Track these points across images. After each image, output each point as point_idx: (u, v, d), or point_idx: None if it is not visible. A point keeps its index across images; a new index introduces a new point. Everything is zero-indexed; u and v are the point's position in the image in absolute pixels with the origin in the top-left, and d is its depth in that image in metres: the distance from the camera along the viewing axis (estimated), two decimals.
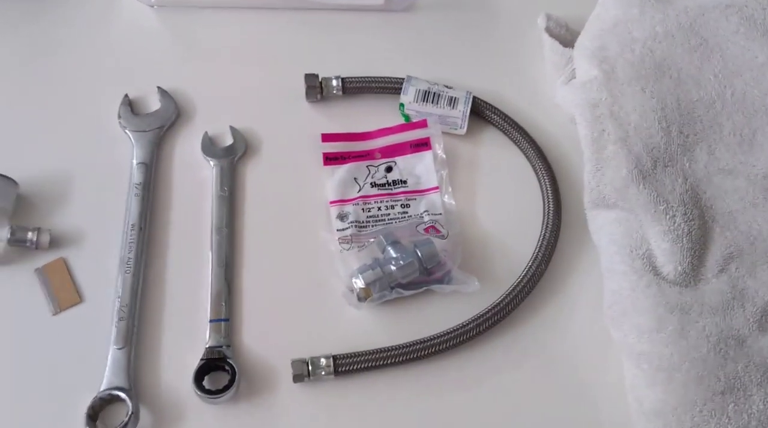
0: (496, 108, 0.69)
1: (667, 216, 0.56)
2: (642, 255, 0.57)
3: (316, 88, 0.69)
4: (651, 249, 0.57)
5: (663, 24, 0.63)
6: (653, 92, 0.61)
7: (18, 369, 0.57)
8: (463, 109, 0.68)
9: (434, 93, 0.68)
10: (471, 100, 0.68)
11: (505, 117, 0.69)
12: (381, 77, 0.70)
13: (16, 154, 0.66)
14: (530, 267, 0.61)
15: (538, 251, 0.62)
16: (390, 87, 0.70)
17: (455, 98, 0.68)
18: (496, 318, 0.58)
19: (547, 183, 0.65)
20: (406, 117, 0.69)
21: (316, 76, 0.69)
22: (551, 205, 0.64)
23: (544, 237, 0.62)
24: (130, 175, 0.64)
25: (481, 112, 0.69)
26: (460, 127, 0.68)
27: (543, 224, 0.63)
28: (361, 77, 0.70)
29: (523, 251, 0.62)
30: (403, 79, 0.69)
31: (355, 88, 0.70)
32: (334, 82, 0.69)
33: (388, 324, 0.60)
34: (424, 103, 0.68)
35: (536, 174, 0.66)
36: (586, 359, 0.59)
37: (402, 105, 0.68)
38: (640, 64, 0.62)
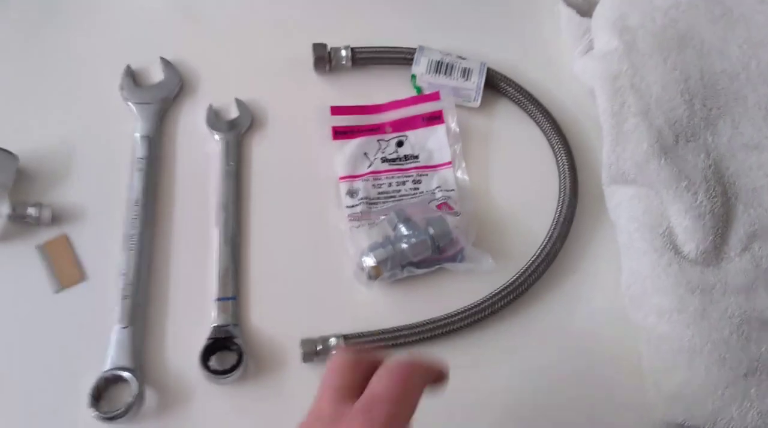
0: (510, 79, 0.67)
1: (689, 193, 0.55)
2: (662, 233, 0.55)
3: (324, 59, 0.67)
4: (672, 227, 0.55)
5: None
6: (676, 63, 0.58)
7: (20, 348, 0.56)
8: (477, 80, 0.65)
9: (447, 64, 0.66)
10: (485, 71, 0.66)
11: (520, 89, 0.66)
12: (392, 47, 0.68)
13: (15, 126, 0.64)
14: (545, 245, 0.59)
15: (554, 228, 0.60)
16: (401, 58, 0.67)
17: (469, 69, 0.65)
18: (509, 297, 0.57)
19: (564, 158, 0.63)
20: (418, 89, 0.67)
21: (325, 46, 0.67)
22: (567, 181, 0.62)
23: (560, 214, 0.60)
24: (133, 148, 0.62)
25: (496, 84, 0.67)
26: (474, 100, 0.66)
27: (559, 201, 0.61)
28: (371, 47, 0.68)
29: (538, 228, 0.61)
30: (415, 49, 0.67)
31: (365, 58, 0.67)
32: (343, 53, 0.67)
33: (399, 303, 0.58)
34: (437, 74, 0.65)
35: (552, 149, 0.64)
36: (604, 340, 0.57)
37: (414, 76, 0.66)
38: (662, 34, 0.60)
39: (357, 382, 0.38)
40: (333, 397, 0.38)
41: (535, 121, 0.66)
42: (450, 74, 0.65)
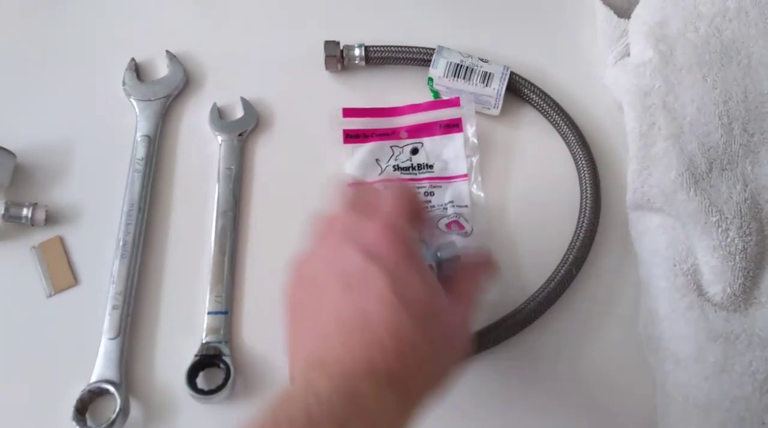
0: (535, 86, 0.62)
1: (720, 230, 0.49)
2: (686, 271, 0.50)
3: (336, 58, 0.63)
4: (697, 264, 0.50)
5: None
6: (716, 81, 0.52)
7: (7, 353, 0.54)
8: (498, 87, 0.60)
9: (467, 67, 0.61)
10: (507, 76, 0.61)
11: (545, 97, 0.61)
12: (408, 47, 0.63)
13: (14, 121, 0.63)
14: (559, 269, 0.55)
15: (570, 252, 0.55)
16: (419, 58, 0.63)
17: (490, 74, 0.60)
18: (515, 327, 0.53)
19: (587, 175, 0.58)
20: (435, 93, 0.62)
21: (337, 44, 0.63)
22: (589, 202, 0.57)
23: (577, 238, 0.56)
24: (132, 148, 0.60)
25: (519, 90, 0.62)
26: (494, 107, 0.61)
27: (578, 223, 0.57)
28: (386, 46, 0.63)
29: (555, 252, 0.56)
30: (434, 49, 0.62)
31: (379, 58, 0.63)
32: (357, 51, 0.63)
33: None
34: (456, 78, 0.61)
35: (576, 164, 0.59)
36: (618, 378, 0.53)
37: (431, 79, 0.62)
38: (704, 45, 0.54)
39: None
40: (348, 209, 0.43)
41: (560, 133, 0.60)
42: (469, 79, 0.60)
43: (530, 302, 0.54)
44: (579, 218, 0.57)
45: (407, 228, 0.40)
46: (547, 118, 0.61)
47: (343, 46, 0.63)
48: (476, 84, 0.61)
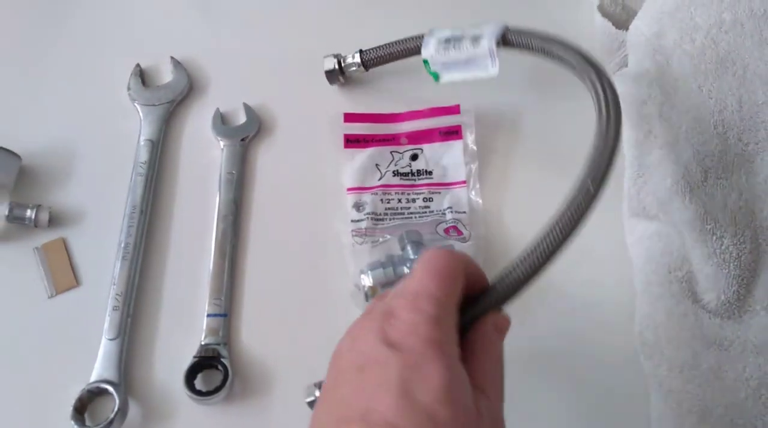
0: (532, 32, 0.56)
1: (714, 237, 0.50)
2: (681, 278, 0.50)
3: (335, 73, 0.63)
4: (692, 272, 0.51)
5: (732, 10, 0.55)
6: (711, 91, 0.53)
7: (8, 352, 0.55)
8: (488, 44, 0.56)
9: (456, 37, 0.58)
10: (498, 32, 0.56)
11: (547, 38, 0.55)
12: (400, 39, 0.62)
13: (19, 124, 0.64)
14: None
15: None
16: (413, 47, 0.61)
17: (478, 35, 0.57)
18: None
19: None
20: (435, 75, 0.60)
21: (334, 58, 0.63)
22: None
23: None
24: (135, 152, 0.61)
25: (513, 41, 0.56)
26: (491, 66, 0.57)
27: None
28: (379, 46, 0.63)
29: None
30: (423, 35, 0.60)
31: (375, 58, 0.63)
32: (351, 59, 0.63)
33: None
34: (447, 51, 0.58)
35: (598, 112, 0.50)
36: (611, 383, 0.53)
37: (426, 62, 0.59)
38: (700, 56, 0.54)
39: None
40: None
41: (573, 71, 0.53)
42: (459, 47, 0.57)
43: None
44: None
45: (437, 304, 0.35)
46: (550, 56, 0.55)
47: (339, 58, 0.63)
48: (467, 49, 0.57)
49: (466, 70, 0.58)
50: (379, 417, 0.31)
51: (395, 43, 0.63)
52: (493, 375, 0.37)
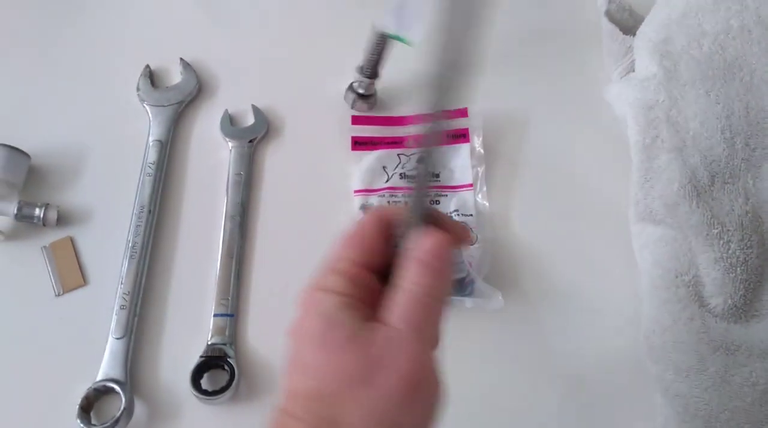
0: None
1: (721, 242, 0.50)
2: (688, 282, 0.51)
3: (354, 94, 0.64)
4: (699, 276, 0.51)
5: (739, 17, 0.55)
6: (719, 96, 0.53)
7: (16, 350, 0.55)
8: None
9: None
10: None
11: None
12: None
13: (30, 123, 0.64)
14: None
15: None
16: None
17: None
18: None
19: None
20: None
21: (351, 87, 0.64)
22: None
23: None
24: (144, 152, 0.61)
25: None
26: None
27: None
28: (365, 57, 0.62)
29: (556, 264, 0.57)
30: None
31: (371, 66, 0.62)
32: (358, 84, 0.64)
33: None
34: None
35: None
36: (618, 386, 0.53)
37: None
38: (707, 62, 0.55)
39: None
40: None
41: None
42: None
43: None
44: None
45: (328, 285, 0.36)
46: None
47: (350, 85, 0.64)
48: None
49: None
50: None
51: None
52: (404, 309, 0.34)
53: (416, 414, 0.32)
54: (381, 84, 0.64)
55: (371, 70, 0.62)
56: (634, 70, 0.60)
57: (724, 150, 0.52)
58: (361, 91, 0.64)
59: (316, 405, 0.32)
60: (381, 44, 0.60)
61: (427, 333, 0.33)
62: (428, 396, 0.33)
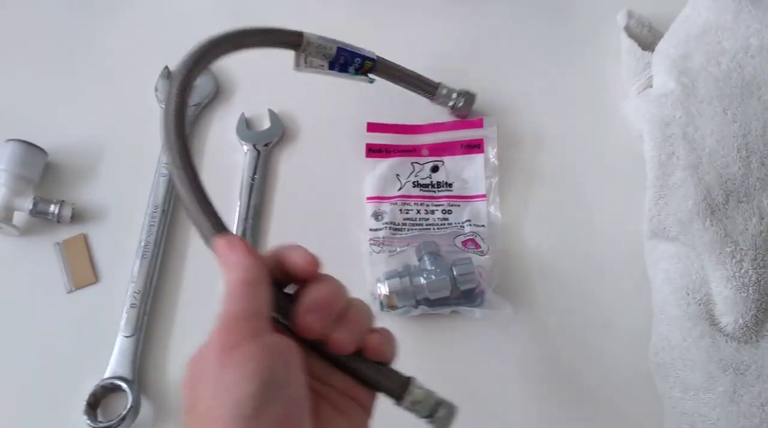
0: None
1: (734, 260, 0.50)
2: (699, 300, 0.50)
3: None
4: (710, 294, 0.50)
5: (759, 36, 0.55)
6: (736, 115, 0.53)
7: (26, 344, 0.56)
8: None
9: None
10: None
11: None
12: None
13: (48, 121, 0.65)
14: None
15: None
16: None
17: None
18: None
19: None
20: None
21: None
22: None
23: None
24: (160, 153, 0.62)
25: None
26: None
27: None
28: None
29: (567, 277, 0.57)
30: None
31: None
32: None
33: (407, 343, 0.55)
34: None
35: None
36: (625, 404, 0.53)
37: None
38: (725, 80, 0.54)
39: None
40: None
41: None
42: None
43: None
44: None
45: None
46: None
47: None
48: None
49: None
50: None
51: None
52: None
53: None
54: (396, 90, 0.65)
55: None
56: (651, 86, 0.60)
57: (739, 168, 0.52)
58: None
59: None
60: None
61: None
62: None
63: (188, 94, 0.46)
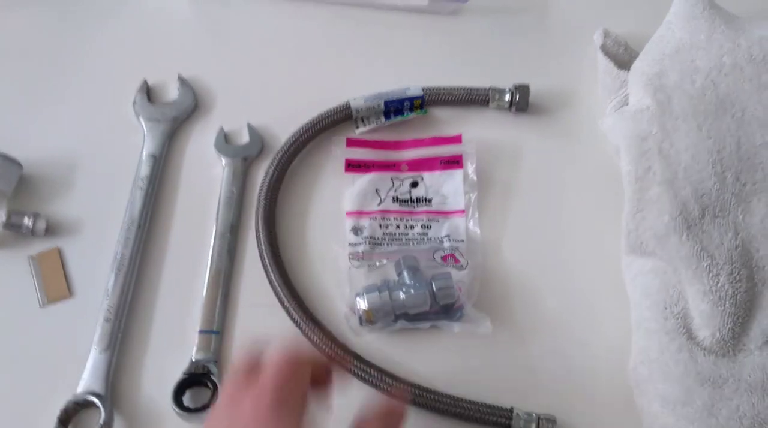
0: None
1: (710, 275, 0.50)
2: (677, 314, 0.51)
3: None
4: (688, 309, 0.51)
5: (732, 55, 0.56)
6: (710, 131, 0.54)
7: None
8: None
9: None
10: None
11: None
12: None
13: (24, 132, 0.64)
14: None
15: None
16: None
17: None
18: None
19: None
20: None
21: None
22: None
23: None
24: (137, 166, 0.61)
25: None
26: None
27: None
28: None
29: (546, 292, 0.57)
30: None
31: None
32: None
33: (386, 356, 0.55)
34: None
35: None
36: (605, 419, 0.53)
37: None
38: (700, 97, 0.55)
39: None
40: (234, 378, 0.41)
41: None
42: None
43: None
44: None
45: (285, 397, 0.38)
46: None
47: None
48: None
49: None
50: None
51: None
52: None
53: None
54: None
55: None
56: (627, 104, 0.60)
57: (714, 183, 0.52)
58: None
59: None
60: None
61: None
62: None
63: None
